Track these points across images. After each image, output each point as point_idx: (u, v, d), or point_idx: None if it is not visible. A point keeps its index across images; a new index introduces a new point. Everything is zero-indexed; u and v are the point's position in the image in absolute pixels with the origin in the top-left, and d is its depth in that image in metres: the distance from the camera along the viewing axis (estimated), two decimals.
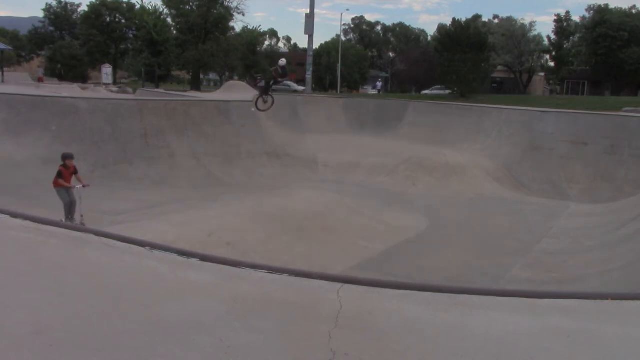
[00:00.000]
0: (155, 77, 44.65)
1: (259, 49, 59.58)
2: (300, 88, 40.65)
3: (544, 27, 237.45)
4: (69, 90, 24.68)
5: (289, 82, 45.31)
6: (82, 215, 9.52)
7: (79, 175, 9.94)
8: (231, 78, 52.13)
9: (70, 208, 9.64)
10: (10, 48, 50.64)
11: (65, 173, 9.65)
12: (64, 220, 9.57)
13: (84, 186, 9.72)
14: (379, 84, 53.27)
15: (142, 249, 3.60)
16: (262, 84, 16.60)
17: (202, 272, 3.37)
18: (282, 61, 16.00)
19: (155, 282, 3.18)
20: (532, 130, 19.04)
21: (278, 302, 2.97)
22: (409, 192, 15.97)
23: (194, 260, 3.50)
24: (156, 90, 32.11)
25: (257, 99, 16.35)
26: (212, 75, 63.00)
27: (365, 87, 60.11)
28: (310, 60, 33.63)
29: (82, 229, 3.91)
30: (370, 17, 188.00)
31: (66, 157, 9.80)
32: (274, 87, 16.46)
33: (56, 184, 9.68)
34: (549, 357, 2.45)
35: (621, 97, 40.24)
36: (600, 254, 9.35)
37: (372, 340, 2.55)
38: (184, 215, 10.22)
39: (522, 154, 18.45)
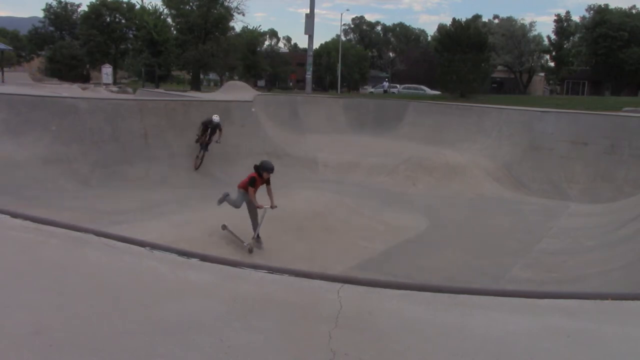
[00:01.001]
0: (155, 77, 44.62)
1: (259, 49, 59.57)
2: (434, 92, 40.32)
3: (544, 27, 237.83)
4: (69, 90, 24.68)
5: (423, 87, 45.67)
6: (258, 237, 8.64)
7: (270, 187, 9.00)
8: (231, 78, 52.13)
9: (232, 206, 9.08)
10: (10, 48, 50.63)
11: (258, 182, 8.85)
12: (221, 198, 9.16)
13: (272, 207, 8.79)
14: (386, 84, 53.45)
15: (142, 249, 3.60)
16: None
17: (202, 272, 3.37)
18: (216, 117, 15.70)
19: (155, 282, 3.18)
20: (532, 130, 19.04)
21: (278, 302, 2.97)
22: (409, 192, 15.97)
23: (194, 260, 3.50)
24: (156, 90, 32.09)
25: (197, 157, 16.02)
26: (212, 75, 63.01)
27: (365, 87, 60.12)
28: (310, 60, 33.66)
29: (82, 228, 3.91)
30: (370, 17, 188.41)
31: (266, 169, 8.87)
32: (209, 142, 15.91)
33: (242, 186, 8.95)
34: (549, 357, 2.45)
35: (621, 97, 40.25)
36: (600, 254, 9.35)
37: (372, 340, 2.55)
38: (184, 215, 10.22)
39: (522, 154, 18.45)
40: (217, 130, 15.75)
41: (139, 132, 15.79)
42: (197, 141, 16.00)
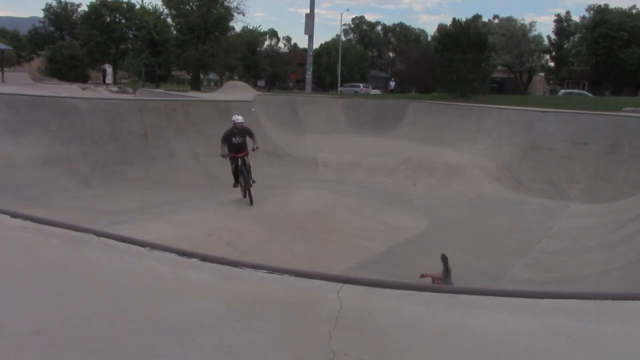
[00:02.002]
0: (155, 77, 44.61)
1: (259, 49, 59.58)
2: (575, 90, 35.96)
3: (544, 27, 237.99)
4: (69, 90, 24.68)
5: (585, 92, 41.48)
6: None
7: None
8: (231, 78, 52.12)
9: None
10: (10, 48, 50.60)
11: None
12: None
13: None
14: (392, 84, 53.75)
15: (142, 249, 3.60)
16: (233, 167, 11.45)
17: (202, 272, 3.37)
18: (238, 118, 11.53)
19: (155, 282, 3.18)
20: (532, 130, 19.04)
21: (278, 302, 2.97)
22: (409, 192, 15.97)
23: (194, 260, 3.50)
24: (156, 90, 32.10)
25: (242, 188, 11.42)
26: (212, 75, 62.99)
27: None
28: (310, 60, 33.67)
29: (82, 228, 3.90)
30: (370, 17, 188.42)
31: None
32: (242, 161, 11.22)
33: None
34: (549, 357, 2.45)
35: (621, 97, 40.20)
36: (600, 254, 9.35)
37: (372, 340, 2.55)
38: (184, 215, 10.22)
39: (522, 154, 18.45)
40: (247, 135, 11.47)
41: (139, 132, 15.79)
42: (233, 169, 11.39)
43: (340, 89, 53.56)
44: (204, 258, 3.54)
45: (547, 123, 19.01)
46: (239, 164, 11.18)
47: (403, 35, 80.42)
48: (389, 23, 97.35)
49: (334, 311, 2.76)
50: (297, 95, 30.32)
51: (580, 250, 9.95)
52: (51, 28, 58.95)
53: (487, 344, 2.54)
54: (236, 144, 11.19)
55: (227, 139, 11.16)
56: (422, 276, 7.29)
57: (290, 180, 16.22)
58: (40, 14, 60.54)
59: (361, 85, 51.62)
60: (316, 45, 60.44)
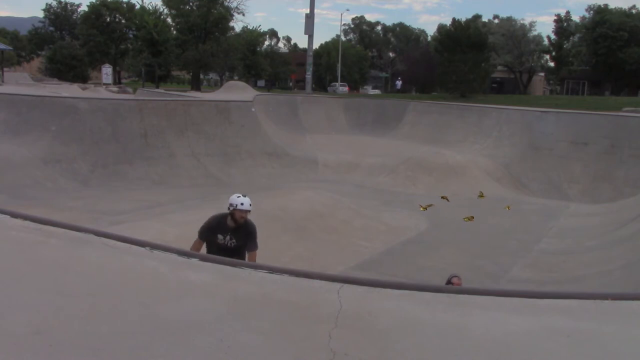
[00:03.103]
0: (155, 77, 44.61)
1: (259, 49, 59.54)
2: None
3: (544, 27, 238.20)
4: (69, 90, 24.67)
5: None
6: None
7: None
8: (231, 78, 52.09)
9: None
10: (10, 48, 50.59)
11: None
12: None
13: None
14: (399, 83, 54.08)
15: (142, 249, 3.60)
16: None
17: (202, 272, 3.37)
18: (242, 201, 5.44)
19: (155, 282, 3.18)
20: (532, 130, 19.05)
21: (278, 302, 2.96)
22: (409, 192, 15.97)
23: (194, 260, 3.50)
24: (156, 90, 32.10)
25: None
26: (212, 75, 62.98)
27: (365, 87, 60.21)
28: (310, 60, 33.67)
29: (82, 228, 3.90)
30: (370, 17, 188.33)
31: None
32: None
33: None
34: (549, 357, 2.45)
35: (621, 97, 40.21)
36: (600, 254, 9.35)
37: (372, 340, 2.55)
38: (184, 215, 10.20)
39: (522, 154, 18.46)
40: (247, 240, 5.51)
41: (139, 132, 15.79)
42: None
43: (328, 88, 56.42)
44: (204, 258, 3.54)
45: (547, 123, 19.03)
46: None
47: (403, 35, 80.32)
48: (389, 23, 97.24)
49: (333, 311, 2.75)
50: (297, 95, 30.32)
51: (580, 250, 9.95)
52: (51, 28, 58.99)
53: (487, 344, 2.54)
54: (224, 249, 5.35)
55: (207, 235, 5.65)
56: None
57: (290, 180, 16.21)
58: (40, 14, 60.65)
59: (338, 84, 54.21)
60: (316, 45, 60.56)
